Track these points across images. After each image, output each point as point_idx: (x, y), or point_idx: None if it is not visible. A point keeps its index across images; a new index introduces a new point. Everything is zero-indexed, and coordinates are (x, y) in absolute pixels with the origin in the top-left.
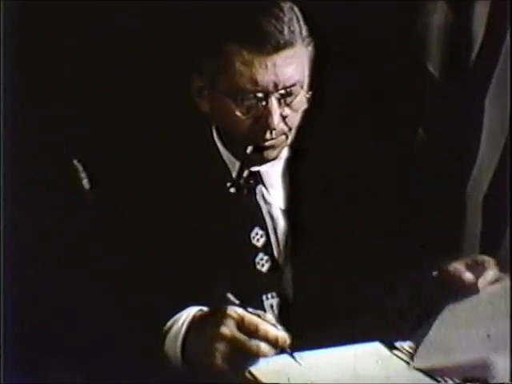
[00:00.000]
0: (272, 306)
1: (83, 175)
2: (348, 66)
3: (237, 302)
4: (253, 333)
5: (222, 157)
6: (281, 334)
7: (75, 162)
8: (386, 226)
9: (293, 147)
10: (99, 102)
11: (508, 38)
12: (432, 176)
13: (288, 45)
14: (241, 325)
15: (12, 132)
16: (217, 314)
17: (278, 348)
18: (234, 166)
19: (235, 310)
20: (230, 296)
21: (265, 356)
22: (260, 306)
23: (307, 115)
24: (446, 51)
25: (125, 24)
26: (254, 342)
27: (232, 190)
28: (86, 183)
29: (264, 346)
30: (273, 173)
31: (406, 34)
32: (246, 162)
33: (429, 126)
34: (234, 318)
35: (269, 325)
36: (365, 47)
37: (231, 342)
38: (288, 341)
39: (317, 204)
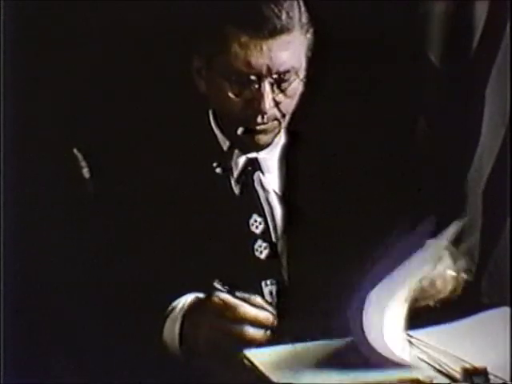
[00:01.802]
0: (271, 293)
1: (83, 164)
2: (348, 53)
3: (224, 288)
4: (235, 317)
5: (219, 143)
6: (262, 314)
7: (75, 150)
8: (384, 213)
9: (290, 133)
10: (98, 88)
11: (509, 26)
12: (432, 165)
13: (285, 30)
14: (224, 310)
15: (12, 121)
16: (203, 302)
17: (265, 328)
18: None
19: (218, 296)
20: (217, 283)
21: (254, 338)
22: (259, 292)
23: (306, 101)
24: (446, 39)
25: (125, 5)
26: (237, 326)
27: (218, 170)
28: (86, 172)
29: (247, 329)
30: (270, 159)
31: (407, 22)
32: (238, 145)
33: (429, 114)
34: (216, 304)
35: (248, 306)
36: (365, 35)
37: (213, 328)
38: (272, 320)
39: (315, 190)
